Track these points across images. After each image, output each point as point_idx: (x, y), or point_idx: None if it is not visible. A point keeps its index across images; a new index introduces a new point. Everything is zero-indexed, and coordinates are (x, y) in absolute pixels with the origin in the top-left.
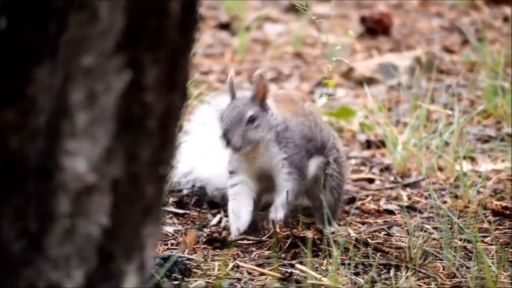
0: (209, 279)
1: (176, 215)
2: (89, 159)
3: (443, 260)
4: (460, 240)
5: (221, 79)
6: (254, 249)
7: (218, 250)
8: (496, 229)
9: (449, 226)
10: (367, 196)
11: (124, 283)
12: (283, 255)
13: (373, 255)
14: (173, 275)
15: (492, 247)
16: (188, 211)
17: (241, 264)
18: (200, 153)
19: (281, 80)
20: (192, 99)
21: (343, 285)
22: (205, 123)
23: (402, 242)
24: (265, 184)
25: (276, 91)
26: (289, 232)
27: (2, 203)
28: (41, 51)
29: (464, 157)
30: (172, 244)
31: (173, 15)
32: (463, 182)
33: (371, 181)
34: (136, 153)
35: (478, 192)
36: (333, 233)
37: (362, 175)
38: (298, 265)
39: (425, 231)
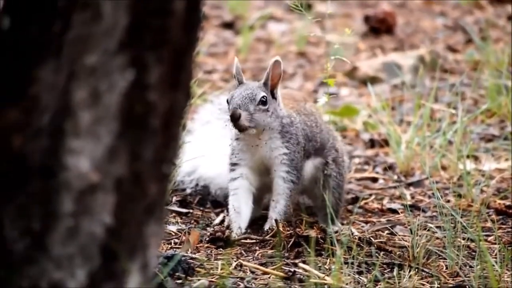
0: (212, 278)
1: (180, 214)
2: (93, 158)
3: (446, 259)
4: (464, 239)
5: (225, 78)
6: (257, 248)
7: (221, 249)
8: (499, 228)
9: (452, 225)
10: (370, 195)
11: (127, 282)
12: (286, 254)
13: (377, 254)
14: (177, 274)
15: (495, 246)
16: (191, 210)
17: (244, 263)
18: (204, 152)
19: (285, 79)
20: (196, 98)
21: (346, 284)
22: (209, 122)
23: (406, 241)
24: (264, 180)
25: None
26: (292, 231)
27: (5, 202)
28: (44, 50)
29: (468, 156)
30: (175, 243)
31: (177, 14)
32: (467, 181)
33: (374, 180)
34: (139, 152)
35: (482, 191)
36: (336, 232)
37: (366, 174)
38: (301, 264)
39: (428, 230)
